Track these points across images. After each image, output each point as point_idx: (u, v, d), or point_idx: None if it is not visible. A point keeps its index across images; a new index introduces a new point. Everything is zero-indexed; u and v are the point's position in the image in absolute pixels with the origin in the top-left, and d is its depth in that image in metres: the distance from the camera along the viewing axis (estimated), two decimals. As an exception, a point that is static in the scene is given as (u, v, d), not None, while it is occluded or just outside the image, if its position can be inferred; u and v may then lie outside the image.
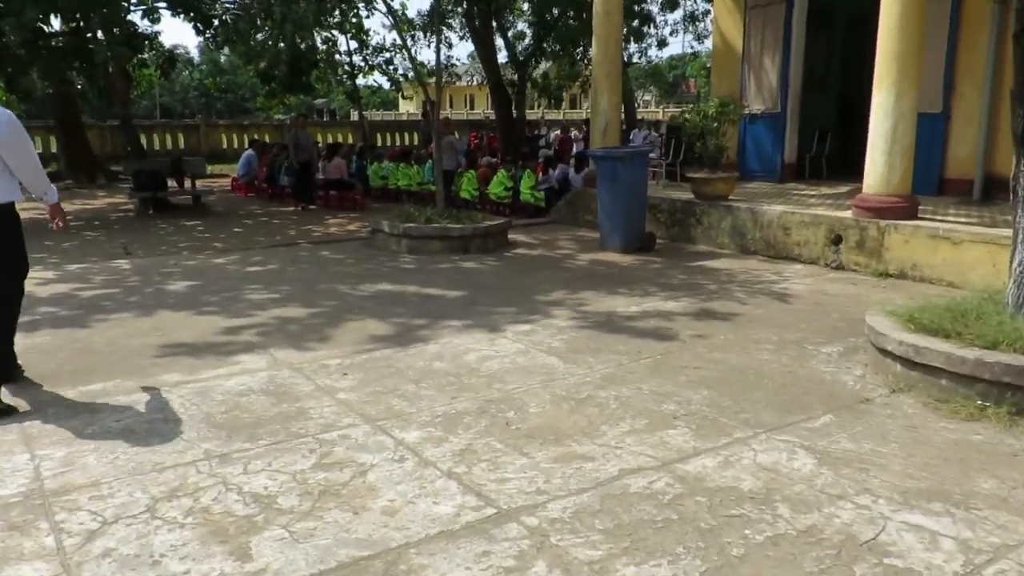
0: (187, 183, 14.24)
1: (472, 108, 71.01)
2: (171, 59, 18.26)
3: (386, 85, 29.09)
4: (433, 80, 11.45)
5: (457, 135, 17.24)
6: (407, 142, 29.12)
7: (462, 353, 4.79)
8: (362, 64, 25.00)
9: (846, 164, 11.84)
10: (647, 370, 4.47)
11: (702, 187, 8.81)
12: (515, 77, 20.28)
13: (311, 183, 13.81)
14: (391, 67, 24.80)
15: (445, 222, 8.50)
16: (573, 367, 4.53)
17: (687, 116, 9.08)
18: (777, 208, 8.24)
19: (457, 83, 67.07)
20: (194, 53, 67.97)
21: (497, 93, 19.01)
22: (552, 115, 38.81)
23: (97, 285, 6.86)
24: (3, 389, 3.87)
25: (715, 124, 8.53)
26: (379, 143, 26.32)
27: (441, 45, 9.52)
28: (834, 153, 11.32)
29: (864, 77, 13.44)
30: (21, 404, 3.89)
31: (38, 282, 6.85)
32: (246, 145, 21.36)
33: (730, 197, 8.85)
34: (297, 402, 3.96)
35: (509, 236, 9.01)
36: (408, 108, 70.58)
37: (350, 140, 27.55)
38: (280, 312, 5.82)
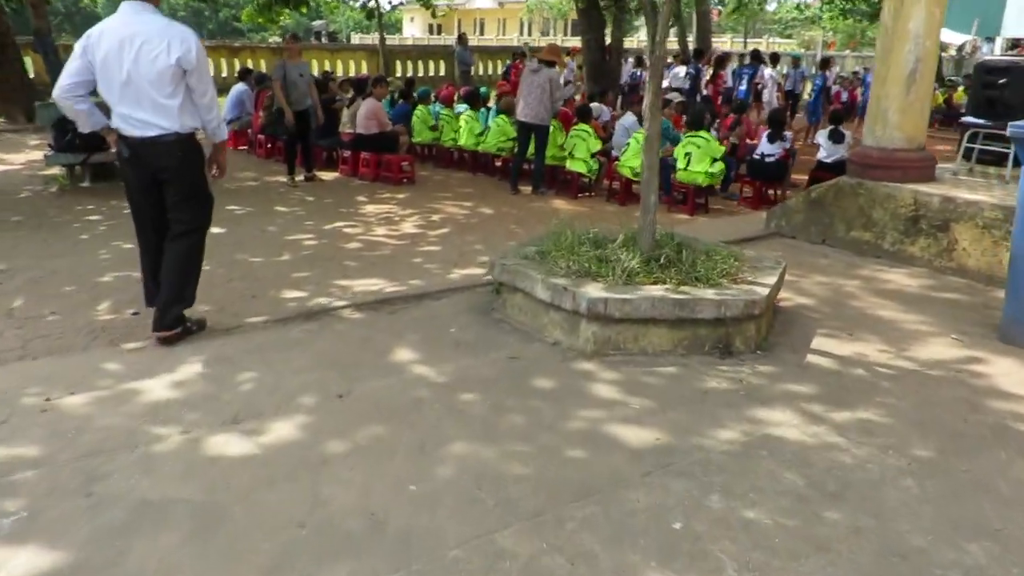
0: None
1: (482, 34, 63.66)
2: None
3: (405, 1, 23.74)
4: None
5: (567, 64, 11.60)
6: (432, 74, 23.78)
7: None
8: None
9: None
10: None
11: None
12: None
13: (311, 142, 9.03)
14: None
15: (672, 282, 3.74)
16: None
17: None
18: None
19: (467, 5, 60.21)
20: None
21: (589, 13, 13.79)
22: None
23: None
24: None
25: None
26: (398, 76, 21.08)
27: None
28: None
29: None
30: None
31: None
32: (236, 74, 16.22)
33: None
34: None
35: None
36: (413, 31, 63.52)
37: (364, 70, 22.26)
38: None
